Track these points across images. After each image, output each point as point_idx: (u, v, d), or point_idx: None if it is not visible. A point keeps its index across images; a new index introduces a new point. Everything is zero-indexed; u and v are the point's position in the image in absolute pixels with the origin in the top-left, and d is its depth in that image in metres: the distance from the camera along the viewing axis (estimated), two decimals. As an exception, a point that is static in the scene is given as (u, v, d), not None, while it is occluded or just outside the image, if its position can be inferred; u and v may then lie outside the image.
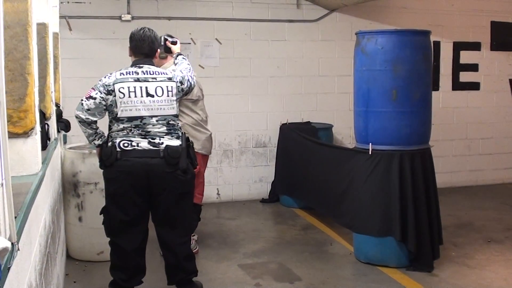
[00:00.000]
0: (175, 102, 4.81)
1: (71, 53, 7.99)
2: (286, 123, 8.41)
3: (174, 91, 4.79)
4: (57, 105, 5.87)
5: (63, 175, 6.09)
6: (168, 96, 4.76)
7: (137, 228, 4.87)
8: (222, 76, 8.56)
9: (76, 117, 4.78)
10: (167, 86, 4.77)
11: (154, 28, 8.14)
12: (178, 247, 4.96)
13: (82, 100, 4.75)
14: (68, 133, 6.79)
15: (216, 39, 8.62)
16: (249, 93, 8.79)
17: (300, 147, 7.27)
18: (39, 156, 3.29)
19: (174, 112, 4.81)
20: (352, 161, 6.12)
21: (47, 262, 3.64)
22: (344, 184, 6.32)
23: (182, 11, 8.51)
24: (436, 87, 9.75)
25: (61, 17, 7.37)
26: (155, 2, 8.40)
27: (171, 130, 4.79)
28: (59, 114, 5.78)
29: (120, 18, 8.24)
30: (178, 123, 4.90)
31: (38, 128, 3.31)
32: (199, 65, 8.44)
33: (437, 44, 9.71)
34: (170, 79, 4.80)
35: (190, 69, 5.12)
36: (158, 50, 5.04)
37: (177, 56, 5.34)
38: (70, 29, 8.00)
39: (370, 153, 5.83)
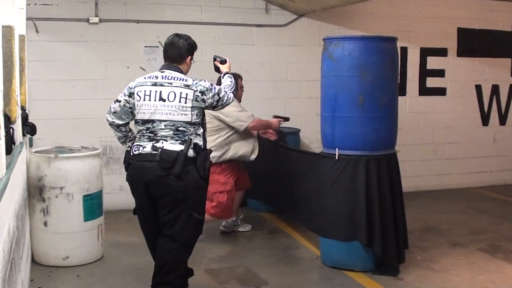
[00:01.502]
0: (189, 109, 4.76)
1: (38, 56, 7.92)
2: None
3: (190, 98, 4.75)
4: (23, 109, 5.82)
5: (28, 179, 6.02)
6: (180, 102, 4.74)
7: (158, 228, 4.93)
8: (191, 80, 8.54)
9: (106, 119, 5.02)
10: (181, 92, 4.75)
11: (122, 31, 8.25)
12: (165, 252, 4.88)
13: (111, 103, 4.97)
14: (34, 137, 6.73)
15: (185, 42, 8.59)
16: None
17: (268, 151, 7.26)
18: (3, 161, 3.26)
19: (185, 119, 4.76)
20: (319, 166, 6.15)
21: (11, 269, 3.61)
22: (311, 189, 6.35)
23: (150, 14, 8.48)
24: (403, 92, 9.85)
25: (28, 19, 7.28)
26: (123, 5, 8.36)
27: (179, 134, 4.76)
28: (25, 117, 5.73)
29: (87, 20, 8.18)
30: (192, 131, 4.81)
31: (2, 132, 3.28)
32: (167, 69, 8.41)
33: (404, 50, 9.82)
34: (187, 86, 4.79)
35: (230, 86, 5.17)
36: (189, 57, 5.05)
37: (224, 75, 5.38)
38: (37, 31, 7.91)
39: (336, 158, 5.86)
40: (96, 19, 8.20)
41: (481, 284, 5.76)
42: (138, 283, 5.67)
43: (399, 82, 9.43)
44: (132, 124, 5.06)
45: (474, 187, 10.56)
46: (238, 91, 6.82)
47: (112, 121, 4.98)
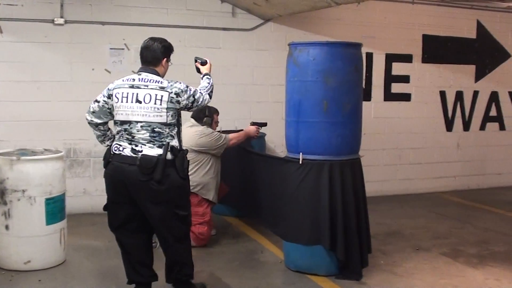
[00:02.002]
0: (164, 110, 4.88)
1: (1, 57, 7.86)
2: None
3: (165, 99, 4.87)
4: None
5: (-11, 182, 5.95)
6: (155, 104, 4.86)
7: (133, 226, 5.09)
8: (156, 83, 8.49)
9: (86, 119, 5.13)
10: (156, 94, 4.88)
11: (87, 32, 8.19)
12: (168, 249, 5.17)
13: (91, 103, 5.08)
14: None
15: (150, 45, 8.56)
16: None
17: (233, 155, 7.27)
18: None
19: (161, 120, 4.89)
20: (283, 170, 6.15)
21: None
22: (275, 193, 6.35)
23: (116, 16, 8.42)
24: (368, 98, 9.91)
25: (-9, 19, 7.23)
26: (89, 7, 8.29)
27: (156, 137, 4.88)
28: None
29: (53, 21, 8.09)
30: (168, 133, 4.93)
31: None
32: (132, 71, 8.30)
33: (369, 56, 9.90)
34: (162, 88, 4.91)
35: (207, 88, 5.28)
36: (165, 59, 5.17)
37: (204, 76, 5.48)
38: (1, 32, 7.83)
39: (300, 162, 5.88)
40: (61, 20, 8.11)
41: (443, 288, 5.82)
42: (100, 287, 5.63)
43: (364, 87, 9.56)
44: (111, 124, 5.18)
45: (438, 192, 10.68)
46: (212, 125, 7.06)
47: (91, 120, 5.09)
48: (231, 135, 6.98)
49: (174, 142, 4.96)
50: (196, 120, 6.92)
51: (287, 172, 6.06)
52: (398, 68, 10.30)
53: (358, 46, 6.10)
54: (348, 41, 6.65)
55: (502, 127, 11.47)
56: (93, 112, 5.06)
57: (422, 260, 6.66)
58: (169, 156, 4.88)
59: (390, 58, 10.23)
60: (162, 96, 4.88)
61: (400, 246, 7.18)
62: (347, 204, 5.87)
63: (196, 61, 5.65)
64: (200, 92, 5.14)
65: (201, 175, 6.80)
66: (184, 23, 8.70)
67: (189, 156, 6.60)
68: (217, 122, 7.20)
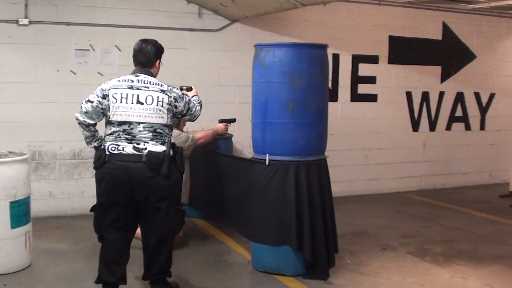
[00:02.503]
0: (165, 112, 5.07)
1: (-35, 58, 7.76)
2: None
3: (166, 102, 5.06)
4: None
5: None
6: (157, 105, 5.02)
7: (120, 224, 5.12)
8: (122, 84, 8.41)
9: (76, 119, 5.09)
10: (158, 97, 5.03)
11: (53, 33, 8.11)
12: (156, 246, 5.22)
13: (82, 103, 5.05)
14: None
15: (116, 46, 8.50)
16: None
17: (200, 157, 7.25)
18: None
19: (162, 121, 5.06)
20: (250, 171, 6.15)
21: None
22: (242, 194, 6.35)
23: (81, 16, 8.34)
24: (335, 99, 9.97)
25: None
26: (54, 7, 8.20)
27: (157, 136, 5.04)
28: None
29: (17, 22, 7.99)
30: (167, 133, 5.11)
31: None
32: (98, 72, 8.31)
33: (336, 57, 9.94)
34: (163, 91, 5.08)
35: (198, 101, 5.57)
36: (158, 61, 5.34)
37: (192, 97, 5.61)
38: (-36, 33, 7.74)
39: (267, 163, 5.89)
40: (25, 21, 8.02)
41: (410, 286, 5.87)
42: (66, 291, 5.59)
43: (330, 88, 9.63)
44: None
45: (404, 192, 10.77)
46: (180, 125, 7.05)
47: (84, 120, 5.06)
48: (198, 134, 6.94)
49: (172, 140, 5.15)
50: None
51: (254, 173, 6.07)
52: (364, 69, 10.36)
53: (323, 47, 6.12)
54: (314, 43, 6.68)
55: (467, 127, 11.61)
56: (86, 112, 5.04)
57: (388, 259, 6.70)
58: (171, 152, 5.05)
59: (357, 59, 10.29)
60: (163, 98, 5.04)
61: (366, 246, 7.23)
62: (314, 205, 5.89)
63: (181, 89, 5.77)
64: (194, 103, 5.43)
65: None
66: (151, 24, 8.64)
67: None
68: (184, 122, 7.17)
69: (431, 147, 11.19)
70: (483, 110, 11.75)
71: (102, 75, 8.23)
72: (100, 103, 5.01)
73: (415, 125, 11.01)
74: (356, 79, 10.32)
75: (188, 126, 7.50)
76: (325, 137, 6.17)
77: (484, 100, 11.73)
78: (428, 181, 11.19)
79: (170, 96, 5.09)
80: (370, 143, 10.54)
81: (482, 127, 11.79)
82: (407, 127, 10.93)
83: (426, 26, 10.84)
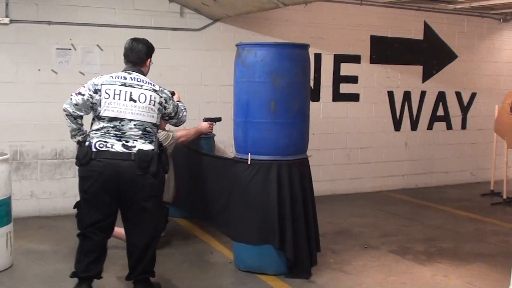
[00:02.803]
0: (156, 111, 5.15)
1: None
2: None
3: (158, 102, 5.15)
4: None
5: None
6: (149, 104, 5.09)
7: (105, 224, 5.13)
8: (104, 84, 8.36)
9: (64, 110, 5.04)
10: (151, 95, 5.11)
11: (34, 32, 8.07)
12: (142, 246, 5.21)
13: (71, 95, 5.04)
14: None
15: (98, 45, 8.47)
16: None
17: (182, 156, 7.24)
18: None
19: (153, 120, 5.13)
20: (232, 171, 6.15)
21: None
22: (224, 194, 6.35)
23: (63, 15, 8.30)
24: (317, 98, 9.99)
25: None
26: (35, 6, 8.15)
27: (146, 135, 5.07)
28: None
29: (-3, 21, 7.97)
30: (155, 132, 5.18)
31: None
32: (79, 72, 8.27)
33: (318, 56, 9.96)
34: (155, 91, 5.16)
35: (184, 107, 5.64)
36: (148, 60, 5.41)
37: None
38: None
39: (249, 163, 5.89)
40: (6, 20, 7.97)
41: (392, 285, 5.90)
42: (48, 291, 5.56)
43: (313, 88, 9.65)
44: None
45: (386, 191, 10.83)
46: (161, 122, 6.90)
47: (73, 112, 5.02)
48: (179, 133, 6.88)
49: (158, 140, 5.23)
50: None
51: (236, 173, 6.07)
52: (346, 69, 10.39)
53: (305, 47, 6.14)
54: (296, 42, 6.69)
55: (449, 127, 11.68)
56: (76, 104, 5.01)
57: (370, 258, 6.73)
58: (157, 151, 5.10)
59: (339, 59, 10.31)
60: (155, 98, 5.13)
61: (349, 245, 7.25)
62: (296, 204, 5.91)
63: None
64: (181, 109, 5.54)
65: None
66: (132, 23, 8.62)
67: None
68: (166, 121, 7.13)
69: (413, 146, 11.25)
70: (465, 109, 11.82)
71: (83, 74, 8.20)
72: (91, 97, 5.01)
73: (397, 125, 11.06)
74: (338, 79, 10.34)
75: (170, 126, 7.46)
76: (307, 137, 6.18)
77: (466, 100, 11.80)
78: (410, 180, 11.24)
79: (162, 97, 5.18)
80: (352, 143, 10.57)
81: (463, 127, 11.86)
82: (389, 127, 10.97)
83: (408, 26, 10.89)
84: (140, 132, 5.02)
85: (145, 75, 5.28)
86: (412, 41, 11.00)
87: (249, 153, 5.90)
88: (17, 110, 8.08)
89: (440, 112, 11.53)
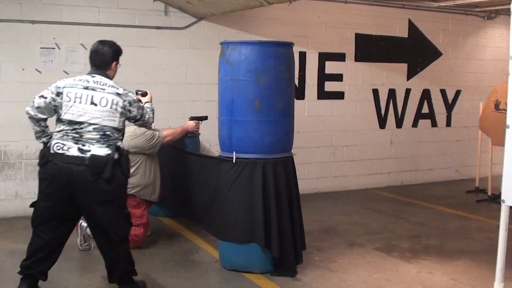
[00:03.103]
0: (118, 115, 5.04)
1: None
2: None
3: (120, 105, 5.05)
4: None
5: None
6: (111, 108, 4.99)
7: (55, 224, 5.07)
8: (88, 83, 8.31)
9: (26, 113, 5.04)
10: (113, 99, 5.01)
11: (17, 31, 8.02)
12: (108, 252, 5.23)
13: (34, 98, 5.02)
14: None
15: (82, 44, 8.43)
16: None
17: (167, 155, 7.23)
18: None
19: (114, 124, 5.03)
20: (217, 169, 6.15)
21: None
22: (210, 192, 6.35)
23: (46, 14, 8.25)
24: (302, 96, 10.00)
25: None
26: (18, 5, 8.10)
27: (105, 138, 4.97)
28: None
29: (-20, 20, 7.92)
30: (116, 137, 5.06)
31: None
32: (64, 71, 8.23)
33: (303, 55, 9.97)
34: (118, 94, 5.06)
35: (150, 109, 5.56)
36: (114, 63, 5.26)
37: (145, 104, 5.61)
38: None
39: (234, 161, 5.89)
40: (-11, 19, 7.95)
41: (377, 282, 5.91)
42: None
43: (297, 86, 9.66)
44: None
45: (372, 188, 10.85)
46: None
47: (35, 115, 5.02)
48: (165, 132, 6.90)
49: (120, 144, 5.11)
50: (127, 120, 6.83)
51: (221, 171, 6.06)
52: (331, 67, 10.40)
53: (289, 45, 6.14)
54: (280, 41, 6.70)
55: (434, 124, 11.71)
56: (38, 107, 5.00)
57: (356, 256, 6.74)
58: (116, 155, 4.98)
59: (323, 57, 10.32)
60: (117, 102, 5.03)
61: (334, 242, 7.26)
62: (281, 202, 5.91)
63: (137, 93, 5.71)
64: (146, 110, 5.43)
65: (140, 176, 6.74)
66: (116, 22, 8.60)
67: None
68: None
69: (398, 143, 11.28)
70: (449, 107, 11.86)
71: (67, 73, 8.15)
72: (54, 100, 4.99)
73: (382, 122, 11.08)
74: (323, 77, 10.35)
75: (155, 124, 7.45)
76: (292, 135, 6.19)
77: (450, 97, 11.84)
78: (395, 178, 11.27)
79: (125, 100, 5.09)
80: (337, 140, 10.59)
81: (448, 124, 11.91)
82: (374, 124, 11.00)
83: (392, 23, 10.92)
84: (99, 136, 4.95)
85: (111, 78, 5.21)
86: (397, 39, 11.03)
87: (234, 152, 5.89)
88: (1, 110, 8.04)
89: (425, 109, 11.56)
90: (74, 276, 6.01)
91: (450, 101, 11.84)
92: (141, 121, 5.39)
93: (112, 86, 5.07)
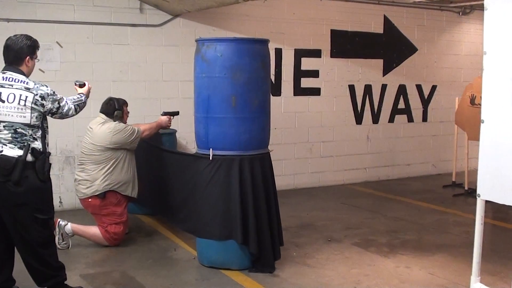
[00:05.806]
0: (28, 111, 4.79)
1: None
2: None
3: (30, 100, 4.79)
4: None
5: None
6: (19, 104, 4.77)
7: None
8: (63, 81, 8.09)
9: None
10: (20, 95, 4.78)
11: (-10, 30, 7.93)
12: (28, 259, 5.03)
13: None
14: None
15: (57, 42, 8.36)
16: (91, 97, 8.46)
17: (144, 153, 7.21)
18: None
19: (24, 120, 4.79)
20: (194, 167, 6.16)
21: None
22: (187, 190, 6.35)
23: (21, 12, 8.17)
24: (278, 93, 10.02)
25: None
26: (-7, 3, 8.05)
27: (18, 138, 4.78)
28: None
29: (-47, 18, 7.83)
30: (31, 134, 4.83)
31: None
32: (39, 69, 8.14)
33: (279, 51, 9.98)
34: (28, 89, 4.81)
35: (75, 100, 5.23)
36: (28, 58, 4.99)
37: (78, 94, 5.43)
38: None
39: (210, 158, 5.89)
40: (-38, 17, 7.86)
41: (355, 277, 5.94)
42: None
43: (274, 82, 9.66)
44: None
45: (349, 184, 10.90)
46: (123, 117, 6.98)
47: None
48: (143, 127, 6.92)
49: (37, 145, 4.86)
50: (106, 115, 6.81)
51: (198, 169, 6.07)
52: (307, 63, 10.42)
53: (265, 42, 6.15)
54: (255, 38, 6.71)
55: (410, 119, 11.78)
56: None
57: (334, 251, 6.77)
58: (29, 158, 4.79)
59: (299, 53, 10.33)
60: (26, 97, 4.80)
61: (312, 238, 7.29)
62: (258, 198, 5.92)
63: (75, 84, 5.64)
64: (66, 101, 5.11)
65: (120, 173, 6.73)
66: (91, 20, 8.56)
67: (106, 154, 6.66)
68: (127, 113, 7.10)
69: (374, 139, 11.33)
70: (425, 102, 11.94)
71: (43, 72, 8.09)
72: None
73: (359, 118, 11.13)
74: (299, 73, 10.37)
75: (131, 121, 7.42)
76: (268, 131, 6.20)
77: (426, 92, 11.92)
78: (372, 173, 11.33)
79: (36, 94, 4.83)
80: (314, 137, 10.61)
81: (424, 119, 11.98)
82: (350, 120, 11.04)
83: (368, 19, 10.96)
84: (10, 134, 4.75)
85: (24, 73, 4.94)
86: (372, 35, 11.07)
87: (211, 149, 5.90)
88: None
89: (401, 105, 11.62)
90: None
91: (426, 96, 11.92)
92: (59, 114, 5.06)
93: (21, 81, 4.83)
